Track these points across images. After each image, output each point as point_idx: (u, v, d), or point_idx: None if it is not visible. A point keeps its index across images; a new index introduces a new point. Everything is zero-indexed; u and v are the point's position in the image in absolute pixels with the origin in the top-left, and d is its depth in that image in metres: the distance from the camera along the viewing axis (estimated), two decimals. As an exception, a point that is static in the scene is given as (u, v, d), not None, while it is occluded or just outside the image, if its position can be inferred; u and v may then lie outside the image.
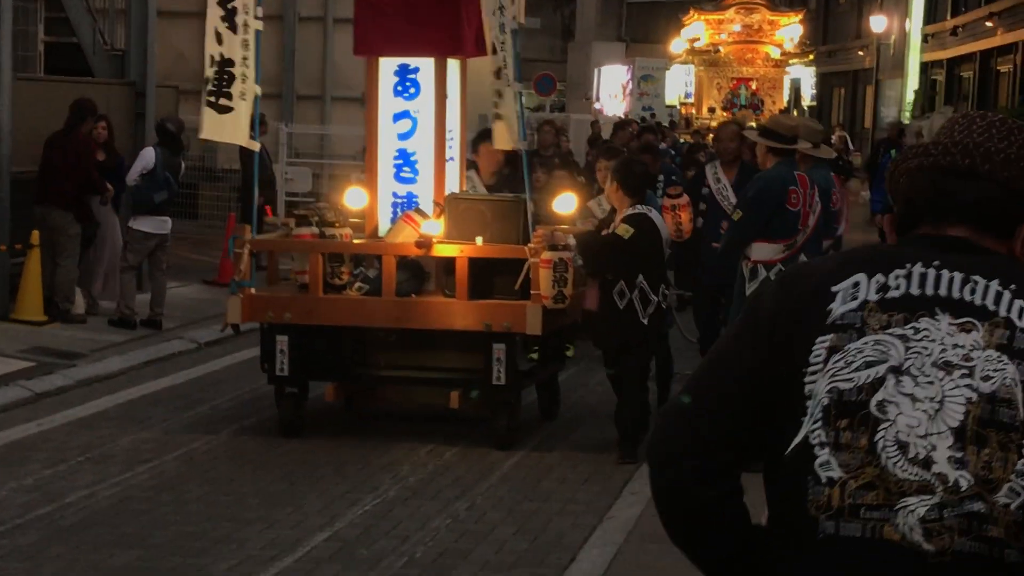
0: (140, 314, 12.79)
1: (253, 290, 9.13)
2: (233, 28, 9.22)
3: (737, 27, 22.95)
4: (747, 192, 8.91)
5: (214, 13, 9.21)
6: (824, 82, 33.83)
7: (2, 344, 11.53)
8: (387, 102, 9.53)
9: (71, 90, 13.47)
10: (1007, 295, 2.33)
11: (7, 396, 10.13)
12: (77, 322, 12.66)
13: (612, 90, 40.48)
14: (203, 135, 9.62)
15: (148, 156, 12.76)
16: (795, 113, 23.20)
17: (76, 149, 12.54)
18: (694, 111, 22.90)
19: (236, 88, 9.21)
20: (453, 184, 9.64)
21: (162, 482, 8.12)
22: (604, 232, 8.86)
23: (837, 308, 2.35)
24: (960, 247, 2.40)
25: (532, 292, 8.66)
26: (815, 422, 2.32)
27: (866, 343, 2.32)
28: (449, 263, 8.99)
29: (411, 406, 9.58)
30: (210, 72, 9.20)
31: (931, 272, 2.36)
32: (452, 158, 9.64)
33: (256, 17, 9.31)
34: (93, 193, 12.67)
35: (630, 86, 40.10)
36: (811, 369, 2.33)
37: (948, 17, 37.55)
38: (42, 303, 12.47)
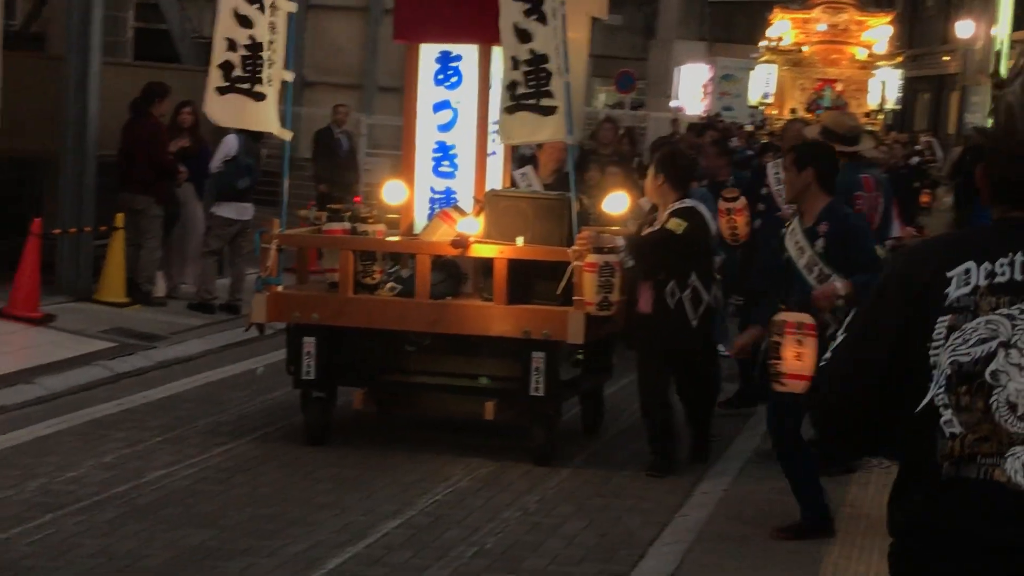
0: (219, 299, 12.94)
1: (280, 288, 8.77)
2: (262, 9, 8.73)
3: (822, 26, 22.66)
4: None
5: None
6: (908, 86, 33.39)
7: (85, 324, 11.72)
8: (427, 91, 8.93)
9: (156, 76, 13.64)
10: None
11: (89, 375, 10.30)
12: (158, 305, 12.83)
13: (692, 89, 40.29)
14: (224, 123, 9.28)
15: (230, 143, 12.87)
16: (880, 118, 22.82)
17: (147, 132, 12.66)
18: (775, 112, 22.65)
19: (264, 74, 8.73)
20: (495, 180, 9.00)
21: (237, 464, 8.21)
22: (647, 230, 8.34)
23: (953, 292, 2.83)
24: None
25: (575, 298, 8.10)
26: (939, 388, 2.82)
27: (979, 323, 2.81)
28: (487, 264, 8.42)
29: (443, 415, 8.99)
30: (223, 57, 8.73)
31: None
32: (494, 152, 9.01)
33: None
34: (168, 176, 12.79)
35: (711, 85, 39.90)
36: (934, 344, 2.83)
37: (1036, 24, 36.93)
38: (124, 285, 12.66)
